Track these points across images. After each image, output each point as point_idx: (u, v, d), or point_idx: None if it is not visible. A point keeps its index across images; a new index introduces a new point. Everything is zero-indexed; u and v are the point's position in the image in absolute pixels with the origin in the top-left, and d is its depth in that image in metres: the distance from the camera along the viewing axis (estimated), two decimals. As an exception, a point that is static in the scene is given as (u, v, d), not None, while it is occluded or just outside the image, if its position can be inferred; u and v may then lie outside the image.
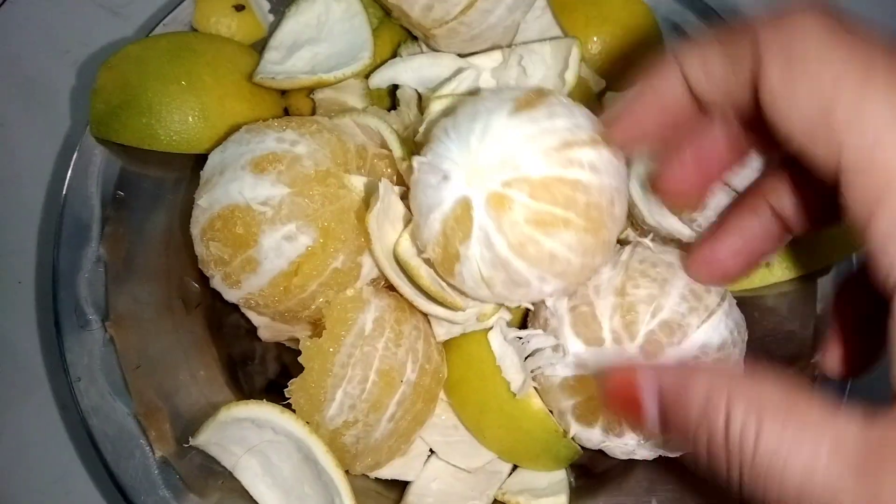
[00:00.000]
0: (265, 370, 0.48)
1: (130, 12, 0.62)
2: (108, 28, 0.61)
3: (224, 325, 0.47)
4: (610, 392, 0.30)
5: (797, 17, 0.25)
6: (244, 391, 0.46)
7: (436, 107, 0.41)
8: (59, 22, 0.62)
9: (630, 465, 0.43)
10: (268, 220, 0.37)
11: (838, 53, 0.24)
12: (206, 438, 0.39)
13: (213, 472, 0.40)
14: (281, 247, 0.37)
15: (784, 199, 0.32)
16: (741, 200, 0.35)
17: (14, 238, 0.56)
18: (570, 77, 0.43)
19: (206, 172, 0.41)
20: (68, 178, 0.44)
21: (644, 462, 0.41)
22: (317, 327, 0.40)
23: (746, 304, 0.46)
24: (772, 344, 0.46)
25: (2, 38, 0.61)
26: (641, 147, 0.35)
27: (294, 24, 0.47)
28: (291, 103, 0.49)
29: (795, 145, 0.25)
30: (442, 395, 0.44)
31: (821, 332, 0.45)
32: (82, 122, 0.56)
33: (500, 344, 0.39)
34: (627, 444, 0.39)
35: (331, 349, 0.38)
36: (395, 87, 0.48)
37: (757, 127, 0.28)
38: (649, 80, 0.31)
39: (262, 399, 0.39)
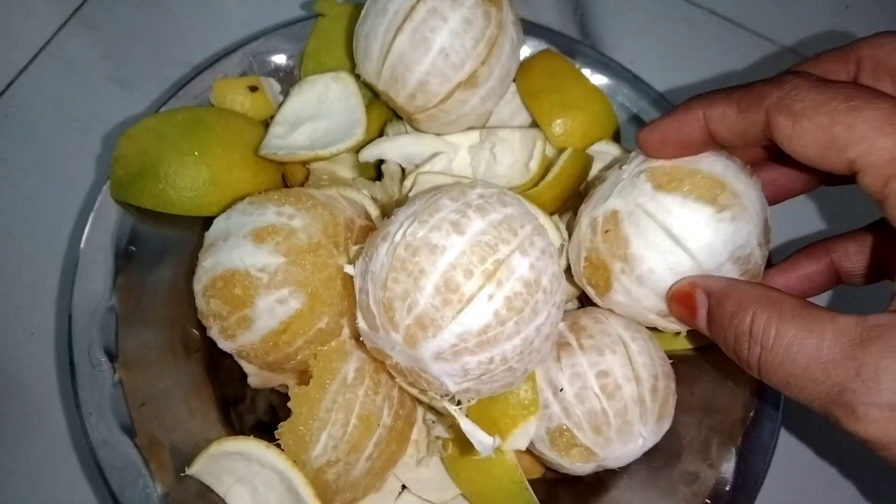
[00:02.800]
0: (255, 410, 0.52)
1: (137, 85, 0.67)
2: (117, 100, 0.66)
3: (220, 368, 0.51)
4: (674, 297, 0.41)
5: (790, 79, 0.36)
6: (235, 428, 0.50)
7: (410, 183, 0.47)
8: (71, 93, 0.67)
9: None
10: (264, 285, 0.42)
11: (826, 98, 0.34)
12: (200, 468, 0.44)
13: (208, 500, 0.44)
14: (274, 309, 0.42)
15: (844, 256, 0.45)
16: (807, 251, 0.46)
17: (28, 293, 0.59)
18: (534, 166, 0.49)
19: (210, 236, 0.46)
20: (86, 233, 0.48)
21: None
22: (303, 375, 0.45)
23: (688, 361, 0.52)
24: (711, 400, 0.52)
25: (18, 106, 0.66)
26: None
27: (297, 102, 0.53)
28: (288, 170, 0.54)
29: (815, 164, 0.36)
30: (413, 434, 0.50)
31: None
32: (91, 185, 0.62)
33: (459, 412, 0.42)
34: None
35: (317, 396, 0.43)
36: (381, 160, 0.54)
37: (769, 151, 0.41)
38: (678, 115, 0.41)
39: (251, 436, 0.44)
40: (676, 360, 0.52)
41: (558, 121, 0.54)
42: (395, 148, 0.52)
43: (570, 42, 0.58)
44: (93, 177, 0.63)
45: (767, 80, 0.38)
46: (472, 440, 0.41)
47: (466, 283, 0.36)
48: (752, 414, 0.49)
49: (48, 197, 0.63)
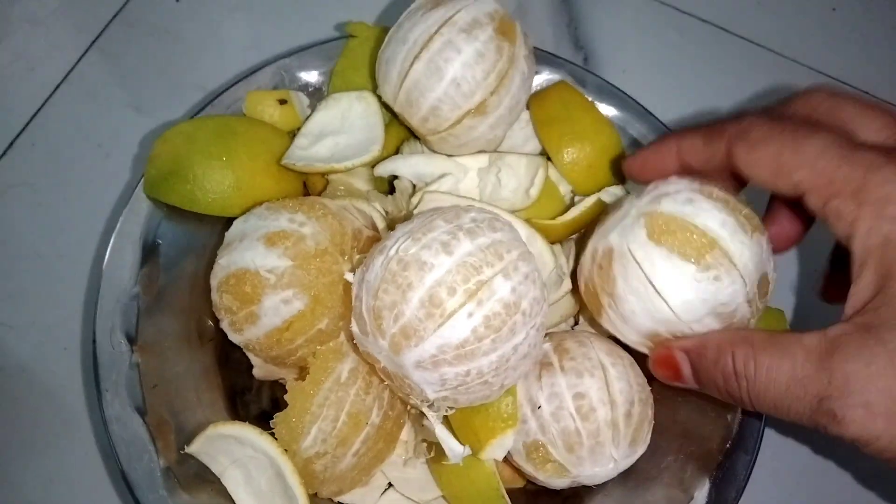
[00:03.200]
0: (259, 401, 0.56)
1: (154, 109, 0.71)
2: (136, 124, 0.70)
3: (230, 359, 0.54)
4: (656, 362, 0.46)
5: (749, 116, 0.42)
6: (240, 416, 0.53)
7: (416, 200, 0.50)
8: (93, 120, 0.71)
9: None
10: (271, 285, 0.45)
11: (778, 129, 0.40)
12: (198, 448, 0.47)
13: (206, 479, 0.48)
14: (278, 308, 0.46)
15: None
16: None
17: (59, 311, 0.63)
18: (534, 192, 0.52)
19: (229, 236, 0.50)
20: (118, 225, 0.52)
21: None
22: (302, 371, 0.49)
23: (671, 388, 0.54)
24: (692, 427, 0.54)
25: (44, 135, 0.70)
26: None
27: (323, 117, 0.56)
28: (309, 179, 0.58)
29: (767, 186, 0.41)
30: (403, 435, 0.53)
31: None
32: (113, 206, 0.67)
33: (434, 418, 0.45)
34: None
35: (311, 391, 0.46)
36: (395, 175, 0.57)
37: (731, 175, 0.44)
38: (655, 146, 0.47)
39: (254, 424, 0.47)
40: (660, 386, 0.54)
41: (567, 150, 0.56)
42: (408, 166, 0.55)
43: (584, 73, 0.61)
44: (115, 199, 0.67)
45: (730, 118, 0.43)
46: (444, 446, 0.44)
47: (449, 299, 0.39)
48: (728, 445, 0.51)
49: (74, 220, 0.67)
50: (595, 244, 0.47)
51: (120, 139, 0.70)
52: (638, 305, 0.44)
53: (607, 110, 0.60)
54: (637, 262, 0.44)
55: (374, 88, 0.57)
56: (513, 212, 0.53)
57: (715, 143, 0.43)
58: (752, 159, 0.41)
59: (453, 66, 0.49)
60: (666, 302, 0.43)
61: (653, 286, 0.43)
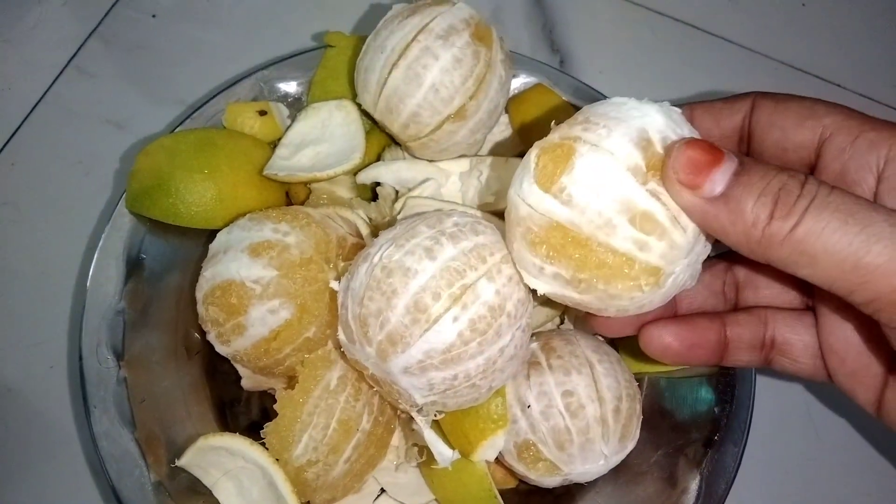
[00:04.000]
0: (249, 412, 0.56)
1: (134, 125, 0.71)
2: (116, 140, 0.71)
3: (218, 371, 0.54)
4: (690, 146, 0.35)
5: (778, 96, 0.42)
6: (230, 428, 0.53)
7: (399, 206, 0.51)
8: (72, 138, 0.71)
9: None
10: (257, 295, 0.45)
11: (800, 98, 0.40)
12: (189, 461, 0.47)
13: (197, 492, 0.48)
14: (265, 318, 0.46)
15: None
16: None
17: (44, 330, 0.63)
18: (515, 196, 0.53)
19: (213, 248, 0.50)
20: (101, 241, 0.52)
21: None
22: (291, 380, 0.49)
23: (658, 382, 0.55)
24: (680, 422, 0.54)
25: (24, 154, 0.70)
26: None
27: (303, 127, 0.57)
28: (291, 189, 0.58)
29: (789, 134, 0.40)
30: (394, 440, 0.53)
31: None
32: (95, 223, 0.66)
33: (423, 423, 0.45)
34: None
35: (301, 400, 0.46)
36: (377, 182, 0.58)
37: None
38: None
39: (245, 435, 0.47)
40: (649, 381, 0.55)
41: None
42: (390, 172, 0.55)
43: (561, 75, 0.62)
44: (98, 215, 0.67)
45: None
46: (432, 450, 0.44)
47: (434, 304, 0.39)
48: (716, 437, 0.52)
49: (57, 237, 0.67)
50: None
51: (100, 156, 0.70)
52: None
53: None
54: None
55: (354, 97, 0.57)
56: (493, 212, 0.53)
57: (738, 104, 0.42)
58: (779, 110, 0.40)
59: (431, 73, 0.49)
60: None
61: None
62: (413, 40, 0.49)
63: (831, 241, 0.31)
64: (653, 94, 0.74)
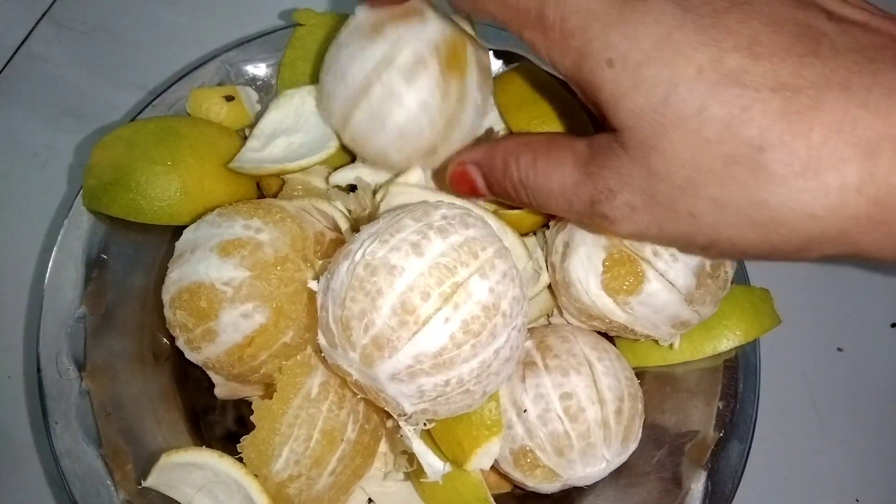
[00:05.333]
0: (224, 420, 0.52)
1: (92, 113, 0.67)
2: (72, 130, 0.66)
3: (189, 378, 0.51)
4: (453, 180, 0.44)
5: None
6: (204, 438, 0.51)
7: (381, 196, 0.47)
8: (25, 127, 0.67)
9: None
10: (228, 299, 0.42)
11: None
12: (155, 480, 0.44)
13: (170, 511, 0.45)
14: (238, 323, 0.42)
15: None
16: None
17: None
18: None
19: (179, 247, 0.46)
20: (58, 241, 0.49)
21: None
22: (269, 388, 0.45)
23: (660, 378, 0.53)
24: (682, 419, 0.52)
25: None
26: None
27: (275, 115, 0.52)
28: (263, 181, 0.54)
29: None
30: (382, 447, 0.50)
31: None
32: (51, 220, 0.62)
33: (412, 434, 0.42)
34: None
35: (279, 410, 0.43)
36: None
37: None
38: None
39: (221, 446, 0.44)
40: (649, 377, 0.52)
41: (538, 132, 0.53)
42: (371, 174, 0.51)
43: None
44: (54, 212, 0.63)
45: None
46: (422, 463, 0.41)
47: (423, 305, 0.36)
48: (721, 434, 0.50)
49: (11, 236, 0.63)
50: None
51: (57, 147, 0.66)
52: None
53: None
54: None
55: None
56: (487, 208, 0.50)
57: None
58: None
59: (396, 120, 0.44)
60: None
61: None
62: (375, 80, 0.44)
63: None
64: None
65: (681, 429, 0.51)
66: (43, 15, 0.71)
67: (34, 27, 0.70)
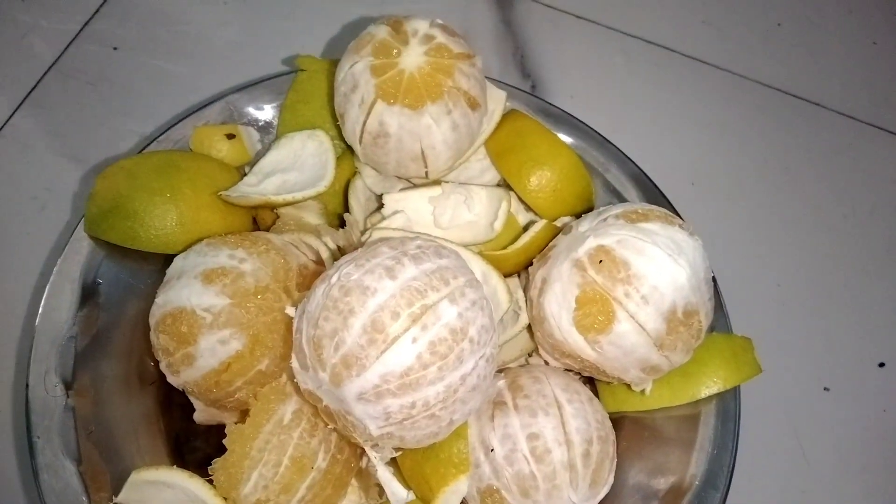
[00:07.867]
0: (207, 445, 0.52)
1: (91, 158, 0.69)
2: (71, 175, 0.68)
3: (174, 403, 0.52)
4: None
5: None
6: (185, 462, 0.51)
7: (366, 237, 0.49)
8: (27, 173, 0.69)
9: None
10: (207, 325, 0.43)
11: None
12: (126, 497, 0.45)
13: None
14: (215, 348, 0.43)
15: None
16: None
17: None
18: (498, 226, 0.51)
19: (169, 273, 0.47)
20: (58, 264, 0.51)
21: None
22: (244, 414, 0.46)
23: (637, 423, 0.52)
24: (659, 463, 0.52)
25: None
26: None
27: (275, 155, 0.55)
28: (258, 215, 0.56)
29: None
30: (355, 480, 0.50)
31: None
32: (46, 259, 0.63)
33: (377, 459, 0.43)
34: None
35: (250, 434, 0.44)
36: (345, 209, 0.56)
37: None
38: None
39: (200, 470, 0.45)
40: (627, 421, 0.52)
41: (530, 178, 0.55)
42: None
43: (534, 99, 0.61)
44: (49, 250, 0.65)
45: None
46: (386, 490, 0.41)
47: (392, 324, 0.37)
48: (697, 482, 0.49)
49: (7, 275, 0.64)
50: (571, 256, 0.47)
51: (56, 190, 0.68)
52: (659, 277, 0.45)
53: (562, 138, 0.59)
54: (641, 238, 0.46)
55: (325, 122, 0.56)
56: (475, 246, 0.51)
57: None
58: None
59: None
60: (680, 264, 0.45)
61: (668, 251, 0.45)
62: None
63: None
64: (626, 117, 0.73)
65: (656, 475, 0.50)
66: (49, 67, 0.74)
67: (41, 79, 0.73)
